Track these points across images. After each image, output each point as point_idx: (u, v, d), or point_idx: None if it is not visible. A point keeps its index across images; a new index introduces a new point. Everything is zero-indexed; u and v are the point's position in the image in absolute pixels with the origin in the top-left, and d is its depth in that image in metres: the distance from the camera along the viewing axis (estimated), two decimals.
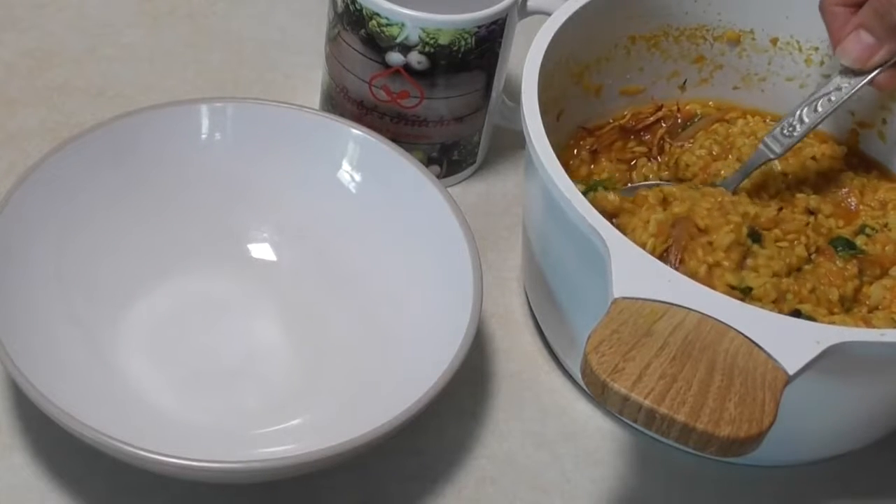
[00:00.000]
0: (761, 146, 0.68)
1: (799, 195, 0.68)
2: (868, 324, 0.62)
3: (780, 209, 0.66)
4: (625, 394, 0.48)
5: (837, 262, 0.65)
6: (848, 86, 0.66)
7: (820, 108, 0.66)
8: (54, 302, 0.61)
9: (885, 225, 0.67)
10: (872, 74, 0.65)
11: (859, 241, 0.66)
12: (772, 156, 0.67)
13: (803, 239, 0.65)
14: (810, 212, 0.68)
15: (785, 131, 0.67)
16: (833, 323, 0.61)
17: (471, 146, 0.75)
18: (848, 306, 0.64)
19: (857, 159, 0.74)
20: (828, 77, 0.73)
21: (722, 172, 0.69)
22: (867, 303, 0.64)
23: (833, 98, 0.66)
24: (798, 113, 0.67)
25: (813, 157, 0.71)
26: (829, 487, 0.64)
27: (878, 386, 0.59)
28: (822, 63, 0.73)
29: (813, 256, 0.65)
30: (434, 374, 0.57)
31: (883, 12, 0.62)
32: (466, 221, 0.63)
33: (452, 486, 0.61)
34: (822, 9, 0.66)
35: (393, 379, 0.61)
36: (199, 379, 0.62)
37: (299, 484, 0.59)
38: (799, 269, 0.64)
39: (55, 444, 0.59)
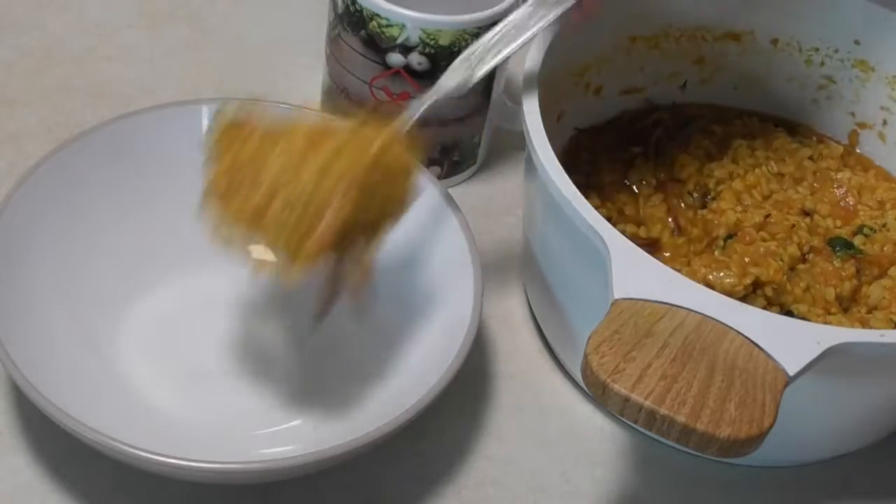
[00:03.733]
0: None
1: (794, 195, 0.68)
2: (865, 324, 0.62)
3: (768, 216, 0.66)
4: (625, 394, 0.48)
5: (834, 262, 0.65)
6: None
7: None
8: (54, 302, 0.61)
9: (884, 225, 0.67)
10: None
11: (857, 241, 0.66)
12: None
13: (795, 238, 0.65)
14: (806, 212, 0.68)
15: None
16: (830, 323, 0.61)
17: (471, 147, 0.75)
18: (846, 306, 0.64)
19: (854, 159, 0.74)
20: (829, 78, 0.73)
21: (716, 173, 0.69)
22: (866, 303, 0.64)
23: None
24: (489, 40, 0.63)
25: (810, 157, 0.71)
26: (829, 488, 0.64)
27: (878, 387, 0.59)
28: (822, 64, 0.73)
29: (809, 256, 0.65)
30: (434, 375, 0.57)
31: None
32: (467, 222, 0.63)
33: (453, 487, 0.61)
34: None
35: (393, 380, 0.61)
36: (199, 379, 0.62)
37: (299, 484, 0.59)
38: (793, 269, 0.64)
39: (55, 445, 0.59)
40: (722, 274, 0.62)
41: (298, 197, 0.54)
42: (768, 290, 0.62)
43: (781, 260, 0.63)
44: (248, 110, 0.57)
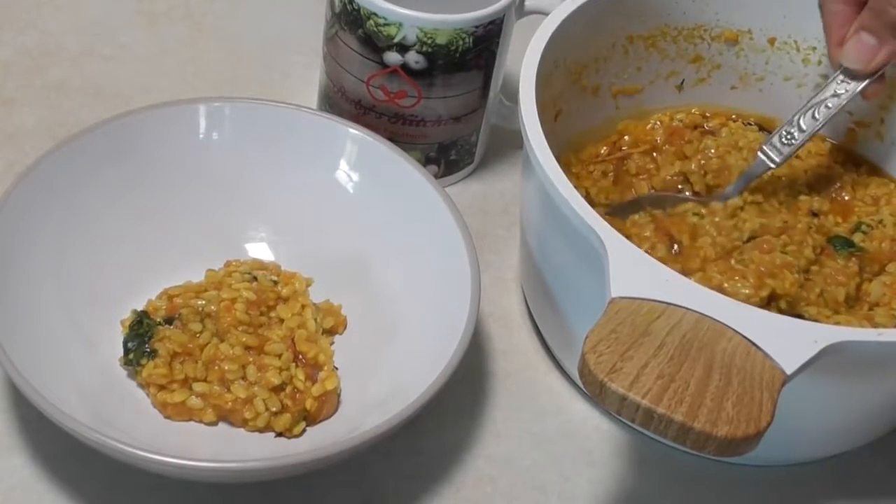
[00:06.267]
0: (760, 156, 0.67)
1: (802, 198, 0.68)
2: (871, 321, 0.62)
3: (785, 222, 0.66)
4: (622, 393, 0.48)
5: (839, 261, 0.65)
6: (845, 92, 0.66)
7: (818, 116, 0.66)
8: (52, 302, 0.61)
9: (880, 221, 0.67)
10: (868, 81, 0.65)
11: (856, 238, 0.66)
12: (771, 165, 0.67)
13: (810, 241, 0.65)
14: (814, 213, 0.68)
15: (783, 139, 0.66)
16: (837, 323, 0.61)
17: (468, 146, 0.75)
18: (850, 304, 0.64)
19: (844, 155, 0.74)
20: (825, 77, 0.73)
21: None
22: (868, 300, 0.64)
23: (830, 105, 0.66)
24: (796, 120, 0.66)
25: (797, 156, 0.70)
26: (826, 487, 0.64)
27: (875, 385, 0.59)
28: (819, 63, 0.73)
29: (819, 258, 0.65)
30: (432, 374, 0.57)
31: (880, 11, 0.62)
32: (464, 221, 0.63)
33: (451, 486, 0.61)
34: (821, 7, 0.66)
35: (390, 378, 0.61)
36: None
37: (298, 484, 0.59)
38: (807, 271, 0.64)
39: (53, 445, 0.59)
40: (738, 283, 0.61)
41: None
42: (782, 304, 0.61)
43: (798, 272, 0.62)
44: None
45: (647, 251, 0.59)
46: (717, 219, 0.65)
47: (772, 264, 0.62)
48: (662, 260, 0.64)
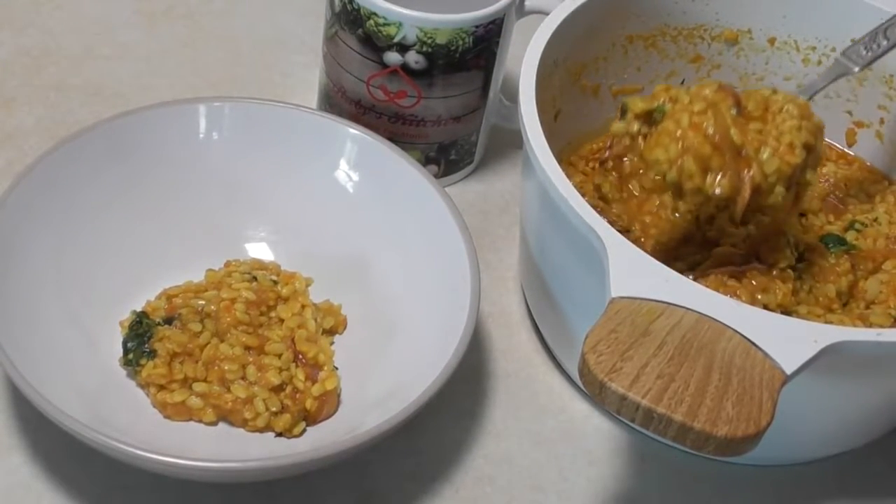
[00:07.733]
0: (840, 59, 0.66)
1: None
2: (865, 320, 0.62)
3: None
4: (622, 393, 0.48)
5: (829, 259, 0.65)
6: None
7: None
8: (52, 301, 0.61)
9: (875, 219, 0.67)
10: None
11: (849, 236, 0.66)
12: (854, 69, 0.66)
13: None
14: (801, 213, 0.68)
15: (866, 47, 0.66)
16: (831, 322, 0.61)
17: (468, 146, 0.75)
18: (844, 301, 0.64)
19: (836, 153, 0.74)
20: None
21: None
22: (864, 298, 0.64)
23: None
24: (884, 29, 0.66)
25: None
26: (825, 487, 0.64)
27: (874, 385, 0.59)
28: (819, 62, 0.73)
29: (806, 255, 0.65)
30: (432, 374, 0.57)
31: None
32: (464, 221, 0.63)
33: (450, 486, 0.61)
34: None
35: (390, 378, 0.61)
36: None
37: (297, 483, 0.59)
38: (794, 268, 0.64)
39: (53, 444, 0.59)
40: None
41: None
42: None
43: (790, 283, 0.62)
44: None
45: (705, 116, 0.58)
46: None
47: (762, 278, 0.62)
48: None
